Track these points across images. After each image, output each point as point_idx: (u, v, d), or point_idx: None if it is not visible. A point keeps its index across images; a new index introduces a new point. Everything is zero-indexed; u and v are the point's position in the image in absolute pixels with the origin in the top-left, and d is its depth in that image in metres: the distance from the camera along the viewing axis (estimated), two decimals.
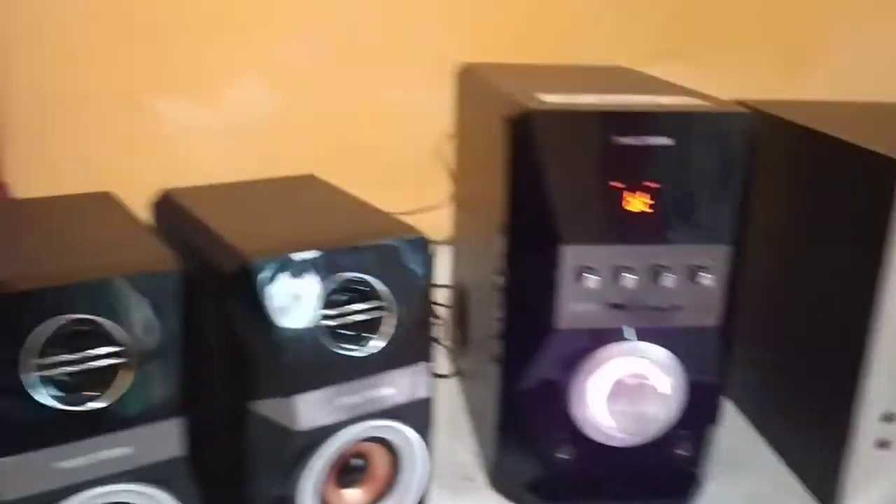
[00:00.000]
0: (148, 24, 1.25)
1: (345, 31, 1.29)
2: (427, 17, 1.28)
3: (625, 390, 0.66)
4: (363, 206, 0.66)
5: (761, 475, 0.79)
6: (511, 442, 0.73)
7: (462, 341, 0.92)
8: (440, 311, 1.00)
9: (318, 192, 0.71)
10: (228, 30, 1.27)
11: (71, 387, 0.50)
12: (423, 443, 0.62)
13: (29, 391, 0.48)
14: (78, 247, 0.56)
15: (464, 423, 0.86)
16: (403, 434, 0.61)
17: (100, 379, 0.50)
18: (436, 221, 0.87)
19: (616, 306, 0.65)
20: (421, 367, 0.61)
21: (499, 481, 0.75)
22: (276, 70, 1.29)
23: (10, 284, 0.48)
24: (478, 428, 0.83)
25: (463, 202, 0.93)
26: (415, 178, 1.12)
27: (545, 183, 0.63)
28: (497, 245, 0.67)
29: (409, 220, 0.63)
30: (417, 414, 0.62)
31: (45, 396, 0.49)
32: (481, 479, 0.77)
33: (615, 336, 0.66)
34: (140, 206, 0.66)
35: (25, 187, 1.27)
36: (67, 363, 0.49)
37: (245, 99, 1.30)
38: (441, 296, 0.95)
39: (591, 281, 0.63)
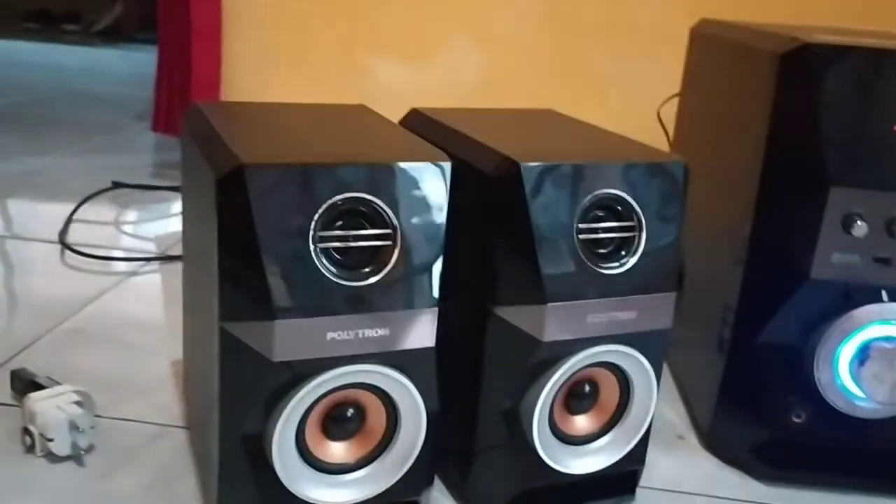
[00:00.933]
0: None
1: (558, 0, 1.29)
2: None
3: (880, 355, 0.61)
4: (613, 134, 0.65)
5: None
6: (733, 402, 0.69)
7: None
8: None
9: (563, 121, 0.70)
10: None
11: (345, 262, 0.52)
12: (655, 375, 0.60)
13: (312, 259, 0.50)
14: (356, 139, 0.59)
15: (668, 386, 0.83)
16: (640, 363, 0.59)
17: (371, 258, 0.52)
18: None
19: (883, 261, 0.60)
20: (667, 296, 0.59)
21: (714, 442, 0.71)
22: (487, 36, 1.31)
23: (306, 160, 0.50)
24: (688, 390, 0.80)
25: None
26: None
27: (816, 120, 0.59)
28: (749, 186, 0.64)
29: None
30: (655, 344, 0.60)
31: (324, 266, 0.51)
32: (693, 438, 0.74)
33: (874, 294, 0.61)
34: None
35: None
36: (345, 238, 0.51)
37: (454, 63, 1.32)
38: None
39: (859, 229, 0.59)
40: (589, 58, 1.28)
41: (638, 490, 0.66)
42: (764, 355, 0.65)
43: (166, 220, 1.25)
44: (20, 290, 0.98)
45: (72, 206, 1.21)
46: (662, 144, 1.00)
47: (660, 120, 0.99)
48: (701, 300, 0.77)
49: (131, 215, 1.27)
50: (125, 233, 1.20)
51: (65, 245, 1.08)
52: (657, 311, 0.59)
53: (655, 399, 0.61)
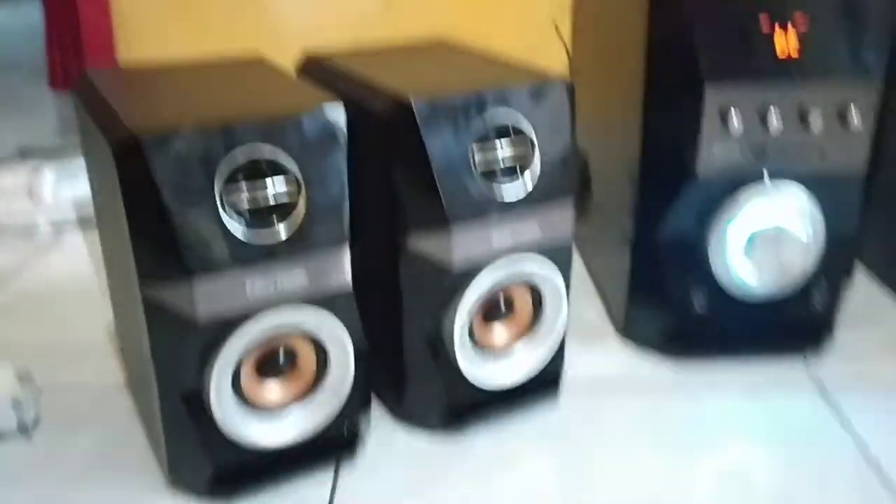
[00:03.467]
0: None
1: None
2: None
3: (764, 239, 0.66)
4: (501, 59, 0.67)
5: (894, 325, 0.80)
6: (643, 293, 0.74)
7: (581, 210, 0.93)
8: None
9: (453, 52, 0.72)
10: None
11: (254, 214, 0.53)
12: (564, 282, 0.64)
13: (220, 217, 0.52)
14: (250, 94, 0.59)
15: (586, 286, 0.88)
16: (547, 272, 0.63)
17: (278, 208, 0.54)
18: None
19: (759, 150, 0.65)
20: (565, 208, 0.63)
21: (630, 330, 0.77)
22: None
23: (202, 122, 0.51)
24: (604, 287, 0.85)
25: (583, 71, 0.93)
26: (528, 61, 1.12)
27: (689, 23, 0.62)
28: (636, 91, 0.67)
29: None
30: (559, 253, 0.64)
31: (233, 222, 0.53)
32: (611, 331, 0.80)
33: (756, 183, 0.66)
34: None
35: None
36: (252, 189, 0.53)
37: None
38: None
39: (736, 121, 0.63)
40: None
41: (563, 384, 0.71)
42: (664, 247, 0.70)
43: (81, 182, 1.23)
44: None
45: None
46: (561, 54, 1.02)
47: (557, 31, 1.01)
48: (607, 203, 0.81)
49: (44, 181, 1.24)
50: (40, 199, 1.18)
51: None
52: (557, 222, 0.62)
53: (566, 303, 0.66)
